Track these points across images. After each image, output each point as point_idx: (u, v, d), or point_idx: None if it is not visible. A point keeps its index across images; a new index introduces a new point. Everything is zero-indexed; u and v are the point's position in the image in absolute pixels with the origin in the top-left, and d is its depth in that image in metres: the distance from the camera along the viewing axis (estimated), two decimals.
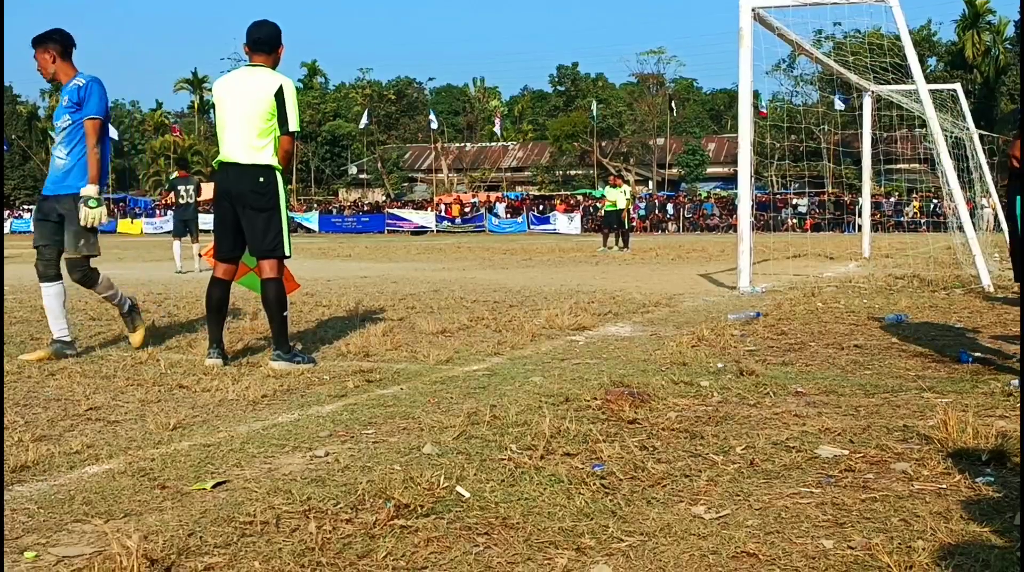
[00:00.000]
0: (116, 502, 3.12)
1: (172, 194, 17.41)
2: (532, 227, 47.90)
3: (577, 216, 47.55)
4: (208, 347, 6.03)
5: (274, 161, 5.85)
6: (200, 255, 15.97)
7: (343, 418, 4.37)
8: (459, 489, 3.14)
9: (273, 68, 5.98)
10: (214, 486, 3.28)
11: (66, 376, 5.50)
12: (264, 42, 5.94)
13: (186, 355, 6.35)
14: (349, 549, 2.65)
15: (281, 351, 5.83)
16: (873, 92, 18.53)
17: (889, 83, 17.49)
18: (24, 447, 3.79)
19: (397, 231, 48.64)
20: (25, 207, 69.86)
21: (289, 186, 6.74)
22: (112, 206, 62.27)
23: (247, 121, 5.81)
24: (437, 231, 48.03)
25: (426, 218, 50.06)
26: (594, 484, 3.21)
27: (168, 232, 52.06)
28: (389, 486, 3.13)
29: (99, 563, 2.47)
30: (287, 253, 5.96)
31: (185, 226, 16.91)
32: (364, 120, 59.99)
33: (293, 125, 5.88)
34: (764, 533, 2.76)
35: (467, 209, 52.91)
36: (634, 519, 2.89)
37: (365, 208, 55.76)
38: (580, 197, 54.38)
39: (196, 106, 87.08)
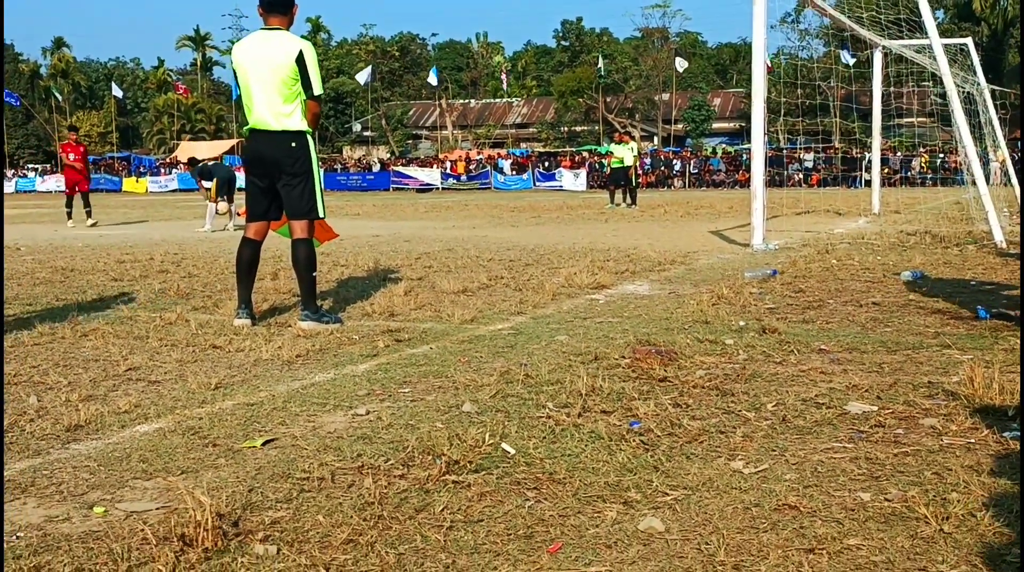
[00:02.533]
0: (172, 460, 3.22)
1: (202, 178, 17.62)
2: (538, 184, 47.84)
3: (583, 173, 47.47)
4: (236, 307, 6.13)
5: (303, 125, 5.92)
6: (238, 214, 16.17)
7: (378, 377, 4.47)
8: (504, 446, 3.25)
9: (288, 28, 6.01)
10: (264, 444, 3.39)
11: (99, 337, 5.60)
12: (278, 3, 5.96)
13: (213, 315, 6.45)
14: (406, 503, 2.75)
15: (309, 311, 5.93)
16: (883, 48, 18.46)
17: (902, 38, 17.42)
18: (74, 407, 3.89)
19: (402, 189, 48.61)
20: (31, 166, 69.79)
21: None
22: (117, 164, 62.23)
23: (272, 88, 5.85)
24: (443, 189, 48.00)
25: (431, 175, 50.00)
26: (633, 440, 3.31)
27: (174, 191, 52.22)
28: (436, 443, 3.24)
29: (172, 517, 2.58)
30: (321, 214, 6.07)
31: (228, 186, 17.04)
32: (367, 76, 59.69)
33: (317, 88, 5.93)
34: (803, 487, 2.86)
35: (472, 166, 52.82)
36: (676, 474, 2.99)
37: (375, 167, 55.65)
38: (585, 153, 54.24)
39: (199, 63, 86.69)
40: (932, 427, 3.46)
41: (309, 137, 5.99)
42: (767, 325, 5.50)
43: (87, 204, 18.89)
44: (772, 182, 34.61)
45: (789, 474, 2.99)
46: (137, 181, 55.68)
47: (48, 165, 68.45)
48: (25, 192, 56.97)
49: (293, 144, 5.90)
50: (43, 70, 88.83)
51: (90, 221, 18.46)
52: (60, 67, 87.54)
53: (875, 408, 3.71)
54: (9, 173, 65.82)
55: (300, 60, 5.82)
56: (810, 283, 7.62)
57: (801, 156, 45.50)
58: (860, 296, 6.88)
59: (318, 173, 6.05)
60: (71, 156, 19.11)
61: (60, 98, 76.75)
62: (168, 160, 63.82)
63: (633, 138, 31.87)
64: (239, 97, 6.13)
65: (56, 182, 57.28)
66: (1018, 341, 5.04)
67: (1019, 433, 3.29)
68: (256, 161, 6.01)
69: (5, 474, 3.08)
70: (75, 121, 76.09)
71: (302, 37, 6.10)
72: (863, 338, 5.22)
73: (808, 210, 20.01)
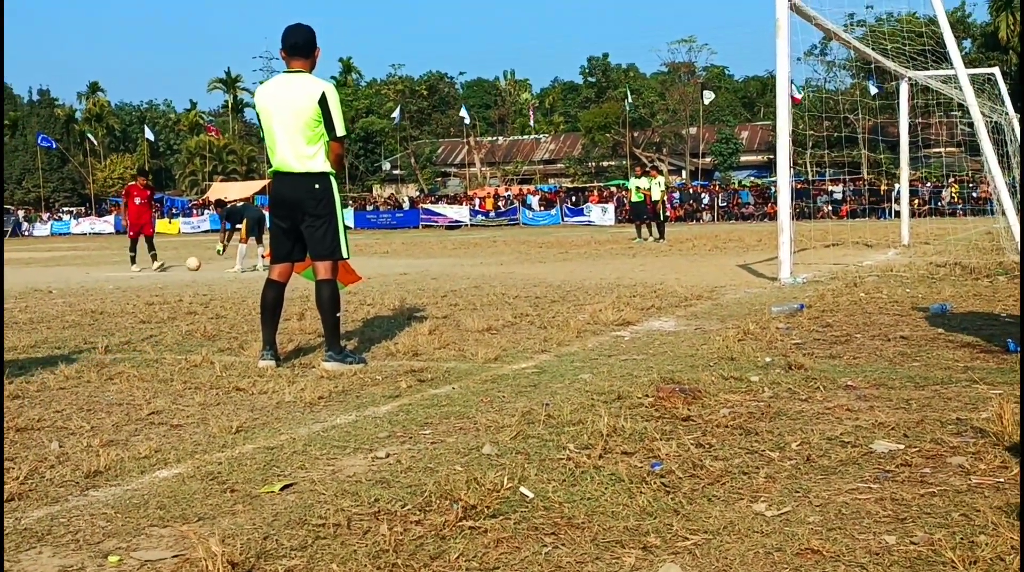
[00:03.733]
0: (189, 506, 3.21)
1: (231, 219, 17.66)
2: (566, 219, 47.92)
3: (611, 207, 47.51)
4: (261, 349, 6.14)
5: (327, 167, 5.96)
6: (263, 256, 16.23)
7: (400, 419, 4.45)
8: (523, 489, 3.21)
9: (311, 71, 6.06)
10: (282, 489, 3.37)
11: (125, 380, 5.62)
12: (301, 46, 6.01)
13: (239, 357, 6.46)
14: (422, 550, 2.72)
15: (333, 352, 5.93)
16: (909, 78, 18.39)
17: (927, 68, 17.35)
18: (94, 452, 3.90)
19: (431, 226, 48.82)
20: (65, 210, 70.71)
21: None
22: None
23: (295, 131, 5.89)
24: (471, 225, 48.15)
25: (460, 212, 50.20)
26: (654, 483, 3.27)
27: (206, 231, 52.67)
28: (454, 487, 3.20)
29: (185, 567, 2.56)
30: (345, 255, 6.09)
31: (258, 226, 17.12)
32: (396, 116, 60.19)
33: (340, 130, 5.96)
34: (826, 529, 2.81)
35: (501, 202, 52.99)
36: (697, 517, 2.94)
37: (405, 205, 55.91)
38: (613, 188, 54.30)
39: (230, 105, 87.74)
40: (960, 466, 3.39)
41: (332, 178, 6.02)
42: (793, 361, 5.43)
43: (152, 247, 18.61)
44: (800, 214, 34.47)
45: (812, 516, 2.93)
46: (170, 222, 56.28)
47: (83, 208, 69.36)
48: (60, 235, 57.71)
49: (316, 186, 5.93)
50: (78, 114, 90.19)
51: (156, 264, 18.27)
52: (95, 111, 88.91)
53: (901, 446, 3.64)
54: (44, 216, 66.74)
55: (323, 102, 5.86)
56: (838, 317, 7.55)
57: (829, 188, 45.30)
58: (888, 330, 6.80)
59: (341, 214, 6.08)
60: (137, 200, 18.59)
61: (95, 141, 77.85)
62: (200, 201, 64.54)
63: (660, 172, 31.84)
64: (262, 139, 6.17)
65: (90, 225, 58.11)
66: None
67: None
68: (279, 203, 6.05)
69: (23, 522, 3.07)
70: (109, 164, 77.12)
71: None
72: (890, 373, 5.15)
73: (837, 242, 19.88)
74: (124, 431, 4.36)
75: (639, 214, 24.52)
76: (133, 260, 18.49)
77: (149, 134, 71.25)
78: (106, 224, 58.26)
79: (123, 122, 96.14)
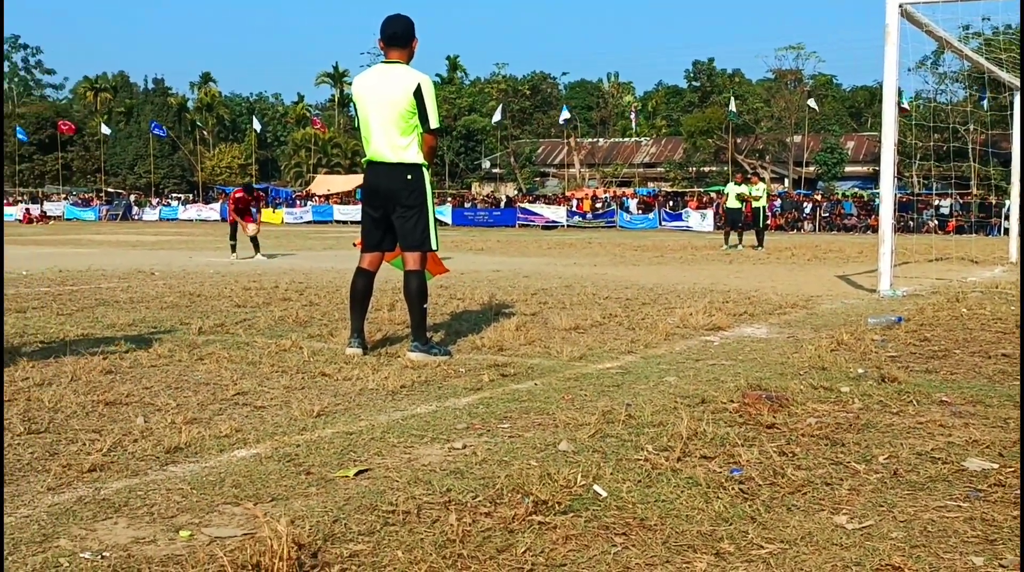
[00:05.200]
0: (264, 486, 3.23)
1: None
2: (664, 224, 47.52)
3: (710, 213, 46.93)
4: (349, 336, 6.19)
5: (420, 158, 5.98)
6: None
7: (479, 411, 4.43)
8: (596, 488, 3.15)
9: (408, 62, 6.06)
10: (357, 474, 3.37)
11: (214, 361, 5.72)
12: (399, 37, 6.03)
13: (327, 343, 6.52)
14: (489, 543, 2.69)
15: (419, 342, 5.95)
16: None
17: None
18: (177, 429, 3.96)
19: (528, 225, 48.87)
20: (174, 196, 72.74)
21: None
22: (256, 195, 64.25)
23: (389, 121, 5.92)
24: (568, 226, 48.08)
25: (557, 213, 50.15)
26: (732, 489, 3.18)
27: (308, 222, 53.63)
28: (527, 481, 3.17)
29: (250, 545, 2.57)
30: (434, 247, 6.10)
31: None
32: (497, 115, 60.37)
33: (434, 122, 5.97)
34: (910, 546, 2.69)
35: (598, 204, 52.80)
36: (774, 526, 2.85)
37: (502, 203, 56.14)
38: (713, 194, 53.67)
39: (336, 99, 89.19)
40: None
41: (424, 170, 6.03)
42: (887, 373, 5.27)
43: (233, 237, 18.88)
44: (905, 228, 33.65)
45: (896, 532, 2.82)
46: (274, 212, 57.34)
47: (190, 195, 71.20)
48: (168, 220, 59.30)
49: (409, 177, 5.95)
50: (190, 104, 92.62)
51: (234, 256, 18.34)
52: (206, 101, 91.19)
53: (995, 465, 3.49)
54: (154, 201, 68.72)
55: (418, 94, 5.87)
56: (937, 332, 7.30)
57: (936, 202, 44.09)
58: (989, 347, 6.55)
59: (432, 206, 6.09)
60: (234, 206, 18.96)
61: (205, 131, 79.85)
62: (304, 193, 65.72)
63: (762, 179, 31.35)
64: (358, 128, 6.21)
65: (197, 211, 59.62)
66: None
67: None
68: (372, 193, 6.09)
69: (103, 492, 3.13)
70: (218, 153, 79.10)
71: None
72: (989, 391, 4.95)
73: (941, 257, 19.31)
74: (208, 410, 4.42)
75: (734, 221, 24.15)
76: (233, 248, 18.63)
77: (257, 125, 72.77)
78: (212, 211, 59.67)
79: (233, 112, 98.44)
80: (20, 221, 53.95)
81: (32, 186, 79.46)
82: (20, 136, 72.87)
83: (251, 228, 18.53)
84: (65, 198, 69.34)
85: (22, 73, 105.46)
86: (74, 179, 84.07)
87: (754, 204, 23.83)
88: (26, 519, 2.87)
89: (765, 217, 24.86)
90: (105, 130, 74.06)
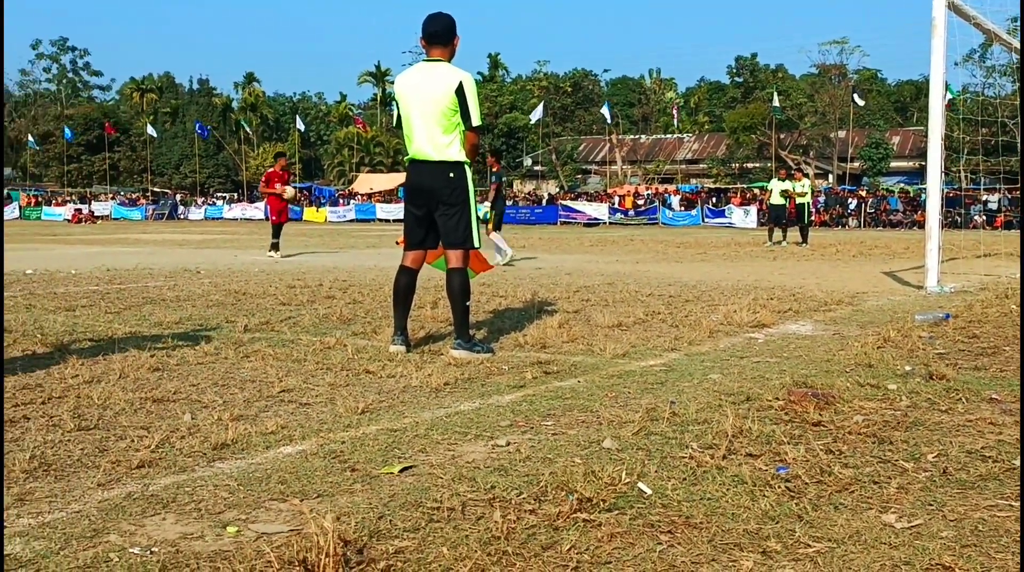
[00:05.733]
0: (309, 483, 3.25)
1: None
2: (706, 220, 47.26)
3: (753, 210, 46.59)
4: (392, 334, 6.21)
5: (462, 156, 5.98)
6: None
7: (523, 409, 4.43)
8: (641, 485, 3.14)
9: (450, 60, 6.07)
10: (401, 471, 3.38)
11: (260, 358, 5.76)
12: (440, 35, 6.04)
13: (371, 341, 6.55)
14: (533, 540, 2.69)
15: (462, 340, 5.96)
16: None
17: None
18: (224, 426, 3.99)
19: (570, 223, 48.79)
20: (219, 195, 73.44)
21: None
22: (299, 194, 64.77)
23: (431, 119, 5.93)
24: (610, 223, 47.96)
25: (599, 210, 50.04)
26: (779, 487, 3.16)
27: (351, 221, 53.94)
28: (571, 479, 3.16)
29: (297, 541, 2.59)
30: (476, 244, 6.11)
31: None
32: (538, 113, 60.24)
33: (476, 120, 5.97)
34: (960, 546, 2.66)
35: (641, 201, 52.62)
36: (821, 524, 2.83)
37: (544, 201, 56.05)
38: (757, 190, 53.29)
39: (379, 98, 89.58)
40: None
41: (467, 167, 6.04)
42: (935, 371, 5.20)
43: (276, 235, 18.40)
44: (952, 224, 33.20)
45: (946, 531, 2.78)
46: (317, 210, 57.72)
47: (235, 194, 71.87)
48: (213, 219, 59.88)
49: (451, 174, 5.96)
50: (234, 104, 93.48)
51: (278, 253, 18.05)
52: (250, 101, 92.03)
53: None
54: (199, 200, 69.44)
55: (460, 91, 5.88)
56: (985, 329, 7.20)
57: (984, 197, 43.45)
58: None
59: (474, 204, 6.09)
60: (278, 186, 18.48)
61: (249, 130, 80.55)
62: (347, 191, 66.08)
63: (806, 175, 31.09)
64: (398, 125, 6.21)
65: (242, 210, 60.13)
66: None
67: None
68: (415, 190, 6.10)
69: (151, 489, 3.17)
70: (261, 153, 79.72)
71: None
72: None
73: (989, 253, 19.02)
74: (254, 407, 4.46)
75: (778, 217, 23.95)
76: (275, 246, 18.24)
77: (300, 124, 73.22)
78: (256, 210, 60.13)
79: (276, 112, 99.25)
80: (69, 221, 54.75)
81: (80, 186, 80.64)
82: (68, 137, 73.95)
83: (288, 191, 18.28)
84: (112, 198, 70.27)
85: (70, 75, 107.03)
86: (121, 179, 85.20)
87: (798, 200, 23.65)
88: (77, 514, 2.91)
89: (809, 213, 24.64)
90: (151, 131, 74.94)
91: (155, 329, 7.08)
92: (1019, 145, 17.78)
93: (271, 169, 18.58)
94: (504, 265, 15.37)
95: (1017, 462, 3.47)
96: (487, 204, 16.23)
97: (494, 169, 16.64)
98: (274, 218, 18.64)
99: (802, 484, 3.21)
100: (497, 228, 16.15)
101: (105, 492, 3.13)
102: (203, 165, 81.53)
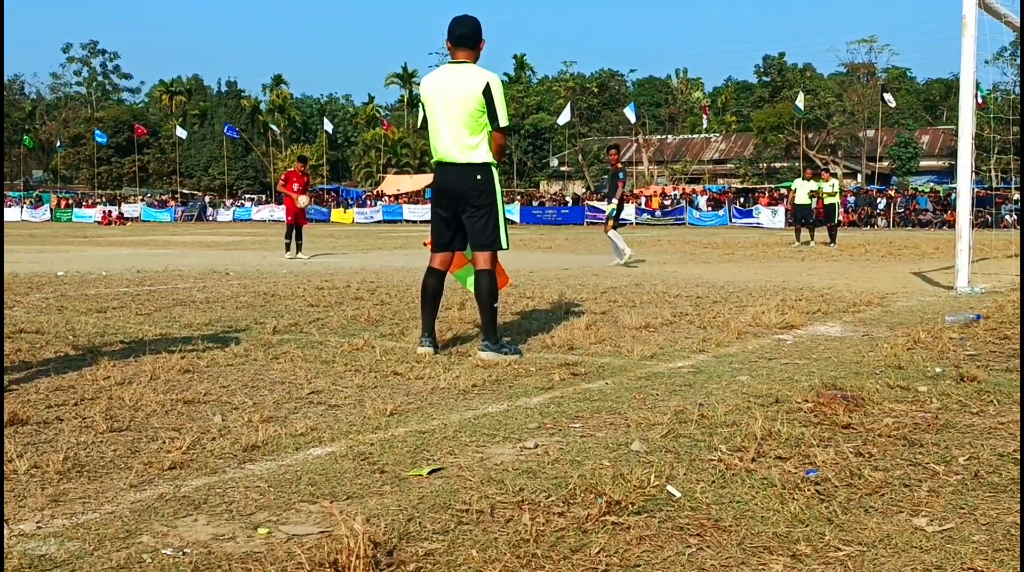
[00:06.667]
0: (339, 484, 3.27)
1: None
2: (734, 221, 47.09)
3: (781, 210, 46.38)
4: (420, 335, 6.23)
5: (489, 157, 5.99)
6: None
7: (551, 410, 4.44)
8: (670, 488, 3.14)
9: (475, 62, 6.08)
10: (430, 473, 3.39)
11: (289, 360, 5.80)
12: (467, 37, 6.05)
13: (399, 342, 6.57)
14: (563, 543, 2.69)
15: (489, 341, 5.97)
16: None
17: None
18: (254, 427, 4.02)
19: (596, 223, 48.72)
20: (247, 197, 73.85)
21: None
22: (326, 195, 65.05)
23: (458, 121, 5.95)
24: (636, 224, 47.85)
25: (626, 210, 49.89)
26: (808, 490, 3.15)
27: (378, 222, 54.12)
28: (600, 481, 3.16)
29: (327, 543, 2.60)
30: (504, 246, 6.11)
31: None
32: (566, 116, 60.02)
33: (503, 121, 5.98)
34: (992, 550, 2.64)
35: (667, 202, 52.47)
36: (852, 528, 2.81)
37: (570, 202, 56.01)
38: (784, 190, 53.03)
39: (406, 100, 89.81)
40: None
41: (494, 169, 6.05)
42: (966, 373, 5.16)
43: (300, 237, 18.82)
44: (983, 223, 32.88)
45: (978, 535, 2.76)
46: (344, 212, 57.96)
47: (264, 195, 72.26)
48: (241, 220, 60.24)
49: (478, 176, 5.97)
50: (262, 106, 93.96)
51: (303, 254, 18.45)
52: (278, 103, 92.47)
53: None
54: (227, 202, 69.87)
55: (487, 92, 5.89)
56: (1017, 330, 7.13)
57: (1015, 196, 43.03)
58: None
59: (502, 205, 6.10)
60: (296, 186, 18.95)
61: (277, 132, 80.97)
62: (374, 193, 66.29)
63: (834, 174, 30.89)
64: (423, 127, 6.23)
65: (270, 211, 60.43)
66: None
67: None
68: (442, 192, 6.12)
69: (183, 490, 3.19)
70: (290, 154, 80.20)
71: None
72: None
73: (1020, 253, 18.83)
74: (284, 408, 4.49)
75: (804, 217, 23.78)
76: (288, 247, 18.62)
77: (328, 126, 73.51)
78: (285, 212, 60.52)
79: (304, 114, 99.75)
80: (99, 222, 55.24)
81: (110, 188, 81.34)
82: (99, 139, 74.59)
83: (302, 200, 18.57)
84: (142, 200, 70.84)
85: (100, 78, 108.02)
86: (150, 181, 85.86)
87: (826, 200, 23.52)
88: (110, 515, 2.94)
89: (838, 213, 24.47)
90: (180, 133, 75.47)
91: (185, 331, 7.13)
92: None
93: (290, 169, 18.93)
94: (624, 264, 15.40)
95: None
96: (615, 201, 16.05)
97: (617, 166, 16.20)
98: (289, 219, 18.90)
99: (832, 487, 3.19)
100: (615, 226, 16.05)
101: (138, 493, 3.16)
102: (231, 167, 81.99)
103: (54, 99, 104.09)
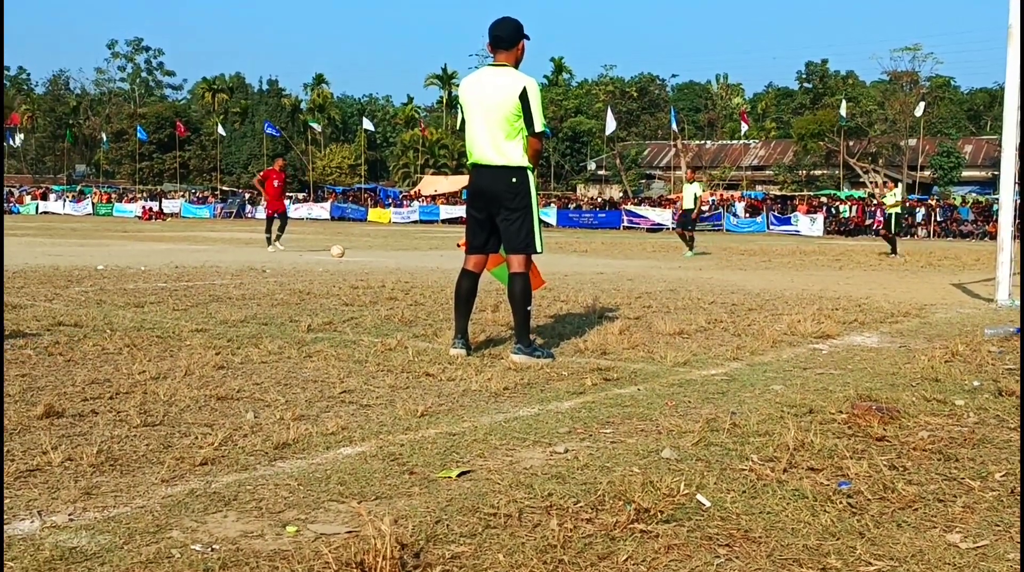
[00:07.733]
0: (368, 484, 3.27)
1: None
2: (772, 227, 46.79)
3: (820, 217, 46.08)
4: (453, 337, 6.23)
5: (525, 161, 5.99)
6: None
7: (581, 415, 4.42)
8: (699, 497, 3.12)
9: (515, 64, 6.08)
10: (459, 475, 3.39)
11: (322, 358, 5.82)
12: (506, 39, 6.05)
13: (432, 343, 6.58)
14: (590, 549, 2.68)
15: (522, 344, 5.96)
16: None
17: None
18: (285, 425, 4.04)
19: (633, 228, 48.61)
20: (286, 194, 74.31)
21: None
22: (364, 195, 65.37)
23: (495, 124, 5.95)
24: (673, 229, 47.63)
25: (663, 215, 49.76)
26: (840, 502, 3.11)
27: (415, 222, 54.29)
28: (629, 488, 3.15)
29: (355, 543, 2.61)
30: (539, 249, 6.10)
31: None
32: (612, 125, 59.36)
33: (539, 125, 5.97)
34: None
35: (705, 207, 52.21)
36: (883, 542, 2.78)
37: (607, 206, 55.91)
38: (824, 198, 52.62)
39: (445, 101, 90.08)
40: None
41: (529, 173, 6.05)
42: (1004, 387, 5.09)
43: (283, 228, 20.41)
44: None
45: (1013, 553, 2.72)
46: (382, 211, 58.16)
47: (302, 194, 72.67)
48: None
49: (514, 179, 5.97)
50: (303, 105, 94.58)
51: (279, 246, 19.91)
52: (318, 102, 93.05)
53: None
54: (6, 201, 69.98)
55: (523, 97, 5.88)
56: None
57: None
58: None
59: (536, 209, 6.10)
60: (276, 183, 20.65)
61: (318, 130, 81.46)
62: (412, 193, 66.50)
63: (897, 183, 30.63)
64: (462, 128, 6.25)
65: (308, 210, 60.81)
66: None
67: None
68: (477, 195, 6.12)
69: (213, 486, 3.21)
70: (328, 153, 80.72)
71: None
72: None
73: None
74: (316, 407, 4.50)
75: (896, 225, 23.15)
76: (269, 241, 20.10)
77: (368, 125, 73.78)
78: (323, 210, 60.83)
79: (344, 113, 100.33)
80: (139, 217, 55.81)
81: (152, 183, 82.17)
82: (141, 135, 75.40)
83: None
84: (182, 196, 71.48)
85: (144, 75, 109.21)
86: (191, 177, 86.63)
87: (888, 210, 23.21)
88: (141, 509, 2.96)
89: (899, 224, 24.02)
90: (221, 130, 76.09)
91: (220, 327, 7.18)
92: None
93: (269, 168, 20.68)
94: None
95: None
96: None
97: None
98: (268, 212, 20.55)
99: (864, 500, 3.16)
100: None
101: (169, 488, 3.18)
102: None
103: (98, 95, 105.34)
